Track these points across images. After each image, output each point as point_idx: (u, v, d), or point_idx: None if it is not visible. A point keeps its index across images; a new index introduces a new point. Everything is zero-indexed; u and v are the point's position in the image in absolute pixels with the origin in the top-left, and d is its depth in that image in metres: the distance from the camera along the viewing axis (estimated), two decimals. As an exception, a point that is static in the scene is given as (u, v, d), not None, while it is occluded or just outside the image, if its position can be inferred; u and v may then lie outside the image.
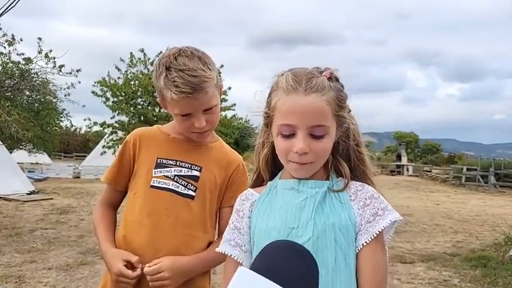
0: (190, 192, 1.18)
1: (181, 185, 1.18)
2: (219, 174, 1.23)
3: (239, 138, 31.22)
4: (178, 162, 1.20)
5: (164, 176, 1.19)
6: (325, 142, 0.84)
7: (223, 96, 19.36)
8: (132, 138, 1.26)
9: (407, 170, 26.37)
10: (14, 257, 4.33)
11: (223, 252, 0.92)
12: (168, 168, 1.19)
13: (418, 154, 46.28)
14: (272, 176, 0.97)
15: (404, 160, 27.88)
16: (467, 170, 20.54)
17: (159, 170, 1.19)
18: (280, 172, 0.95)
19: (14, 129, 13.28)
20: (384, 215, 0.84)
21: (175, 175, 1.19)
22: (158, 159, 1.20)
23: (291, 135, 0.84)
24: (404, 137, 50.37)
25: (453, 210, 10.05)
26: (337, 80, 0.89)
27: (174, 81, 1.07)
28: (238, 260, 0.90)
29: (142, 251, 1.14)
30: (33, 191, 10.17)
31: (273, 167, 0.97)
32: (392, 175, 24.57)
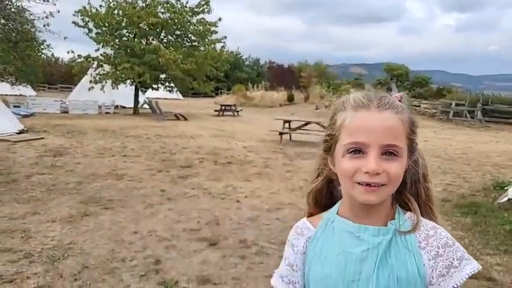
0: None
1: None
2: None
3: (229, 70, 30.44)
4: None
5: None
6: (397, 165, 0.75)
7: (213, 29, 18.46)
8: None
9: (397, 104, 26.47)
10: (15, 207, 4.32)
11: (275, 287, 0.89)
12: None
13: (408, 87, 46.27)
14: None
15: (394, 94, 27.81)
16: (456, 105, 20.77)
17: None
18: (338, 203, 0.87)
19: (-6, 64, 12.63)
20: (459, 266, 0.77)
21: None
22: None
23: (359, 156, 0.75)
24: (395, 69, 49.84)
25: (440, 148, 10.35)
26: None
27: None
28: None
29: None
30: (23, 129, 9.96)
31: (327, 200, 0.91)
32: (382, 109, 24.68)
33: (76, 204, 4.52)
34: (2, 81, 16.30)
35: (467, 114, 19.78)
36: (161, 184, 5.67)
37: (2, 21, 14.87)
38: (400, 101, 0.80)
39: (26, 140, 8.77)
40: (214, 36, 18.81)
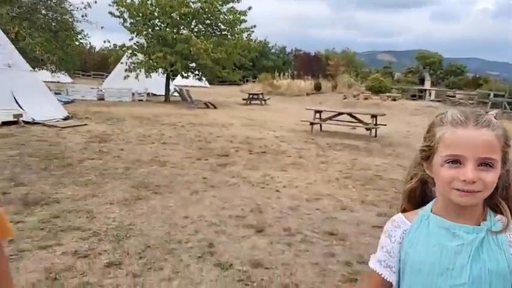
0: None
1: None
2: None
3: (255, 58, 30.41)
4: None
5: None
6: (492, 175, 0.87)
7: (242, 18, 18.54)
8: None
9: (430, 94, 25.83)
10: (75, 189, 4.70)
11: (375, 269, 1.03)
12: None
13: (441, 76, 44.73)
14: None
15: (427, 84, 27.10)
16: (494, 96, 19.96)
17: None
18: (431, 202, 1.01)
19: (38, 52, 13.30)
20: None
21: None
22: None
23: (457, 166, 0.88)
24: (428, 57, 48.02)
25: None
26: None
27: None
28: (386, 279, 1.01)
29: None
30: (68, 116, 10.53)
31: (420, 199, 1.05)
32: (413, 99, 24.20)
33: (128, 189, 4.86)
34: (44, 69, 17.14)
35: (507, 106, 18.99)
36: (202, 172, 5.96)
37: (43, 11, 15.57)
38: (495, 117, 0.91)
39: (72, 126, 9.30)
40: (243, 25, 18.90)
